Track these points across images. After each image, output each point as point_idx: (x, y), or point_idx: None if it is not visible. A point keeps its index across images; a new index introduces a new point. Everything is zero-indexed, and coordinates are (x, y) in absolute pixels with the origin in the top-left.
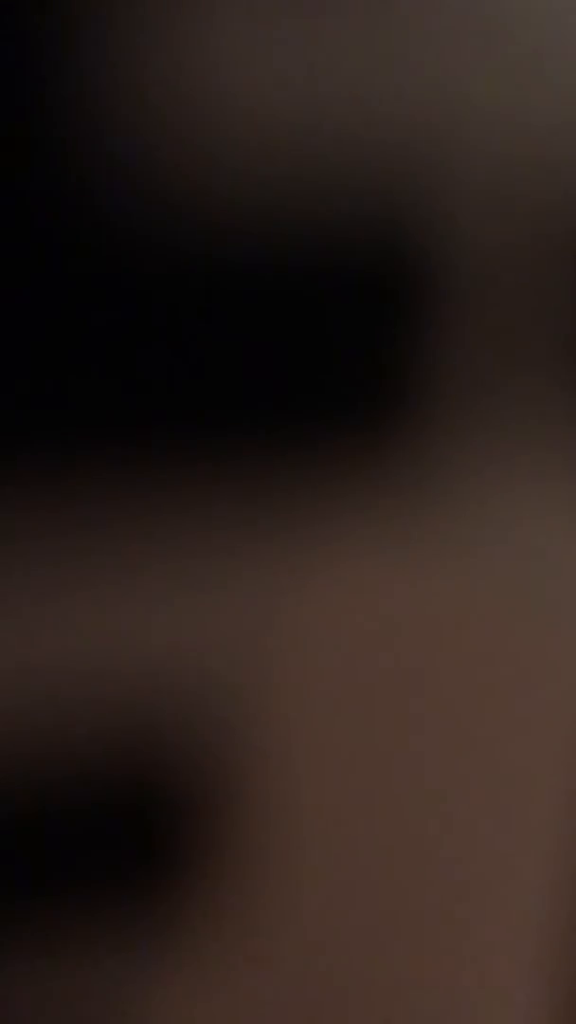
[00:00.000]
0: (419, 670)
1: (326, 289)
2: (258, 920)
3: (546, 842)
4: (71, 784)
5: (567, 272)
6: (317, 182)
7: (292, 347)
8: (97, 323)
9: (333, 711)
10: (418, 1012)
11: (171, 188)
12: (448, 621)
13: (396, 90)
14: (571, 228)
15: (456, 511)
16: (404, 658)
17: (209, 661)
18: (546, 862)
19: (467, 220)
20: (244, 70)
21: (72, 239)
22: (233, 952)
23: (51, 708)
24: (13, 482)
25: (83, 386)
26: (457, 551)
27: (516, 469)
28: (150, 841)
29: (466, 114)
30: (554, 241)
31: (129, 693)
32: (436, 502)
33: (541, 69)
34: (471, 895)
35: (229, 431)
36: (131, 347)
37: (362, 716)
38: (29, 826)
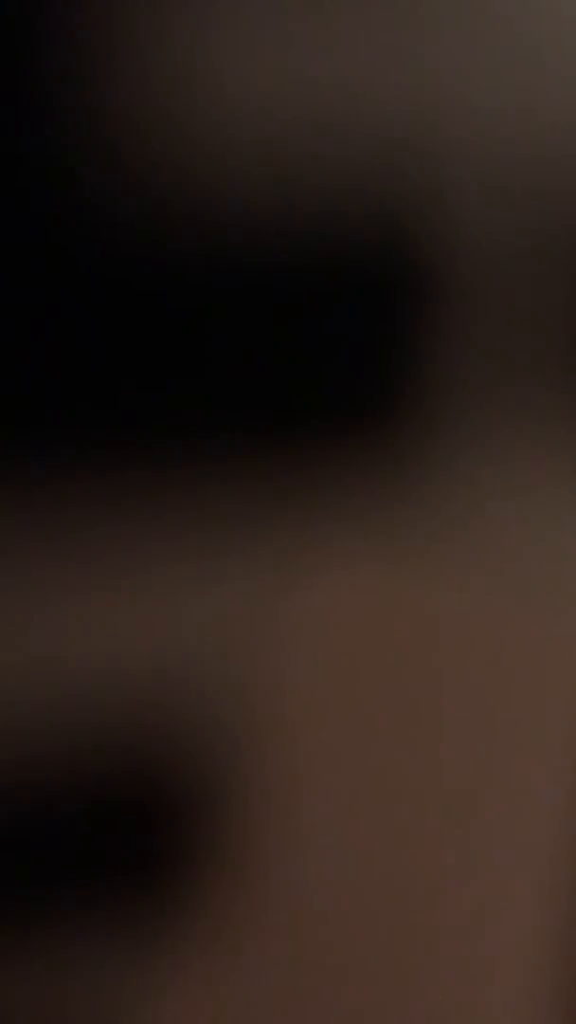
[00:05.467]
0: (420, 670)
1: (325, 289)
2: (259, 920)
3: (548, 841)
4: (71, 784)
5: (567, 272)
6: (316, 181)
7: (291, 348)
8: (97, 323)
9: (334, 711)
10: (419, 1012)
11: (170, 187)
12: (448, 622)
13: (396, 88)
14: (571, 227)
15: (456, 512)
16: (405, 659)
17: (210, 662)
18: (547, 863)
19: (467, 221)
20: (244, 68)
21: (72, 239)
22: (234, 952)
23: (51, 708)
24: (13, 483)
25: (83, 386)
26: (457, 552)
27: (516, 470)
28: (150, 841)
29: (466, 113)
30: (554, 241)
31: (129, 693)
32: (436, 503)
33: (541, 67)
34: (472, 895)
35: (229, 432)
36: (131, 347)
37: (363, 716)
38: (29, 826)
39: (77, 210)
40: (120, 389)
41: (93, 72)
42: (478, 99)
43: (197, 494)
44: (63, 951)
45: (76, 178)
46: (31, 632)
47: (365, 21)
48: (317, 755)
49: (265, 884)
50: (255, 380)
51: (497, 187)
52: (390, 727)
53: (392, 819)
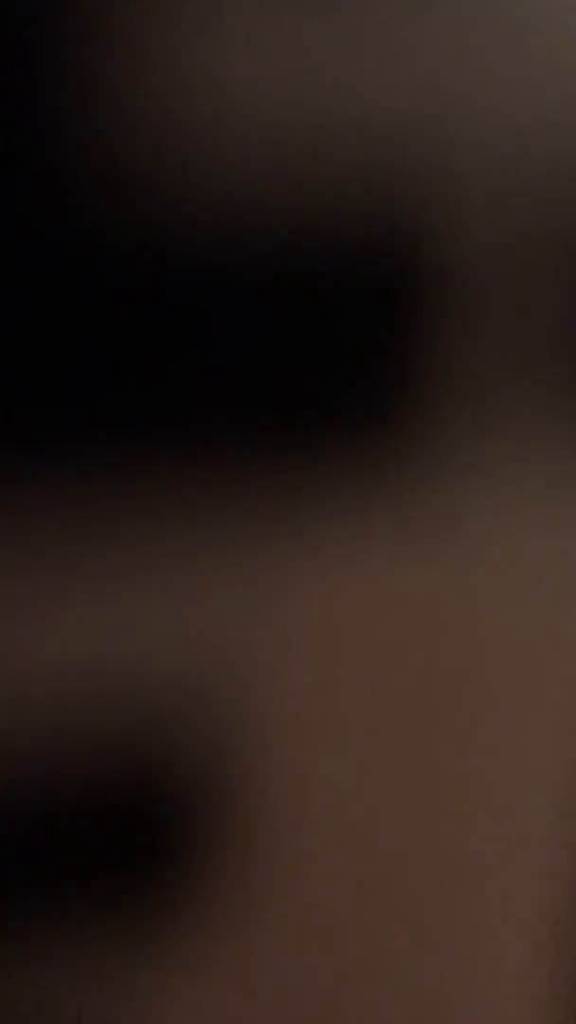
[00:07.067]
0: (419, 669)
1: (324, 288)
2: (260, 919)
3: (547, 837)
4: (70, 783)
5: (567, 271)
6: (315, 180)
7: (290, 347)
8: (96, 323)
9: (333, 710)
10: (419, 1010)
11: (167, 185)
12: (448, 621)
13: (397, 87)
14: (572, 227)
15: (457, 511)
16: (404, 657)
17: (209, 661)
18: (547, 859)
19: (467, 220)
20: (243, 68)
21: (71, 238)
22: (235, 952)
23: (50, 707)
24: (12, 482)
25: (82, 386)
26: (459, 551)
27: (516, 469)
28: (150, 841)
29: (467, 113)
30: (555, 241)
31: (128, 693)
32: (437, 502)
33: (543, 67)
34: (473, 893)
35: (228, 431)
36: (130, 347)
37: (363, 715)
38: (28, 825)
39: (75, 210)
40: (119, 389)
41: (92, 71)
42: (480, 99)
43: (196, 494)
44: (62, 951)
45: (74, 177)
46: (28, 632)
47: (365, 19)
48: (319, 754)
49: (266, 883)
50: (254, 380)
51: (498, 187)
52: (392, 725)
53: (394, 817)
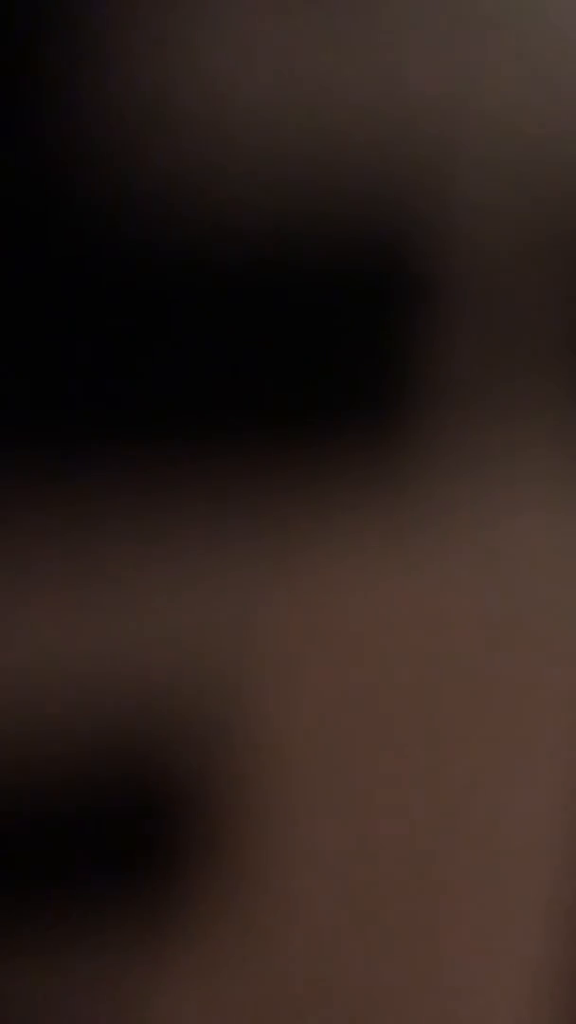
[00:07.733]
0: (416, 668)
1: (325, 289)
2: (258, 919)
3: (546, 840)
4: (69, 784)
5: (567, 272)
6: (316, 184)
7: (291, 347)
8: (97, 323)
9: (331, 710)
10: (418, 1010)
11: (167, 188)
12: (446, 621)
13: (396, 89)
14: (572, 229)
15: (455, 511)
16: (402, 657)
17: (206, 661)
18: (546, 860)
19: (467, 221)
20: (243, 71)
21: (70, 240)
22: (233, 952)
23: (48, 708)
24: (11, 482)
25: (82, 385)
26: (456, 551)
27: (516, 469)
28: (150, 841)
29: (467, 115)
30: (555, 242)
31: (126, 693)
32: (435, 502)
33: (543, 68)
34: (471, 893)
35: (227, 430)
36: (130, 346)
37: (360, 715)
38: (27, 825)
39: (74, 211)
40: (119, 388)
41: (89, 72)
42: (479, 100)
43: (195, 493)
44: (61, 951)
45: (72, 179)
46: (25, 631)
47: (365, 21)
48: (316, 754)
49: (263, 884)
50: (254, 379)
51: (498, 188)
52: (388, 725)
53: (391, 817)
